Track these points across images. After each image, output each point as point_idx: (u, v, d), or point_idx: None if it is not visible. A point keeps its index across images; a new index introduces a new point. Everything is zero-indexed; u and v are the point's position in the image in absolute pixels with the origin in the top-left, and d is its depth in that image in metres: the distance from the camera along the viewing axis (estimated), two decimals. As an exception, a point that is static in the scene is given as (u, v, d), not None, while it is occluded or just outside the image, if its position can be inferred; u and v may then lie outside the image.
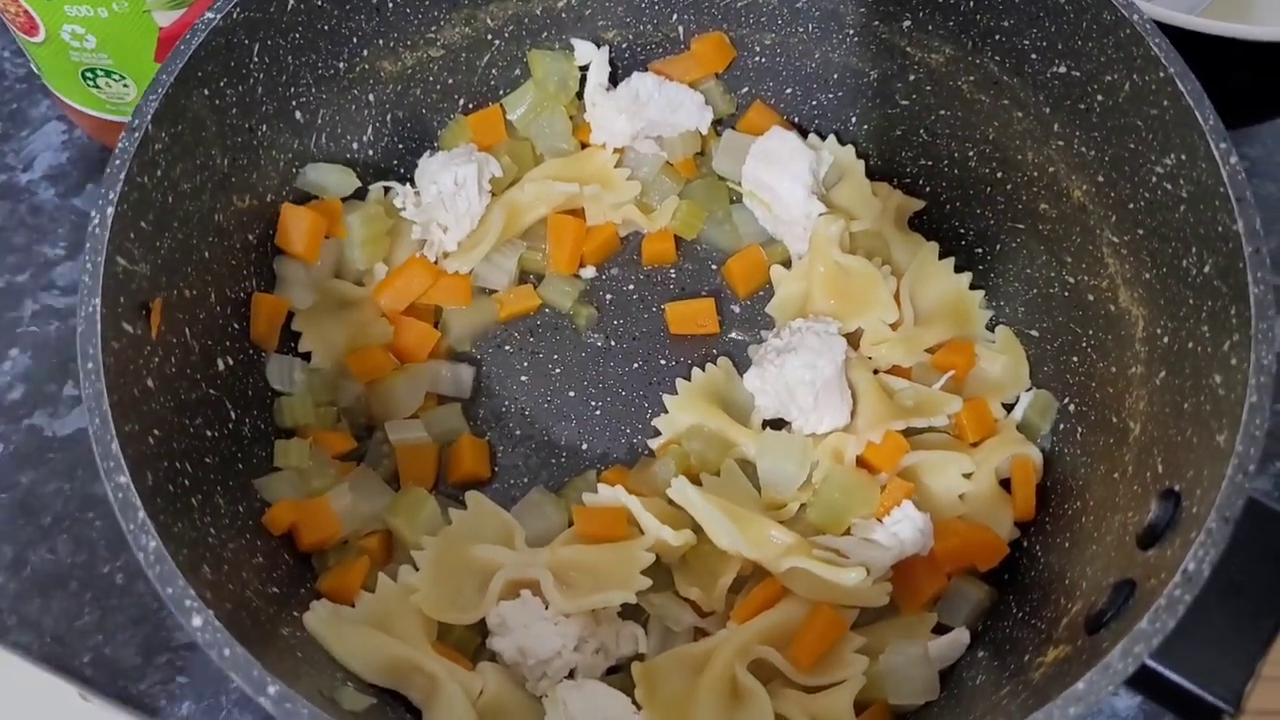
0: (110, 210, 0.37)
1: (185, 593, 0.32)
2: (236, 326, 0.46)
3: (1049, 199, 0.47)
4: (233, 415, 0.44)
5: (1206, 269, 0.38)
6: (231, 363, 0.45)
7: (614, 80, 0.54)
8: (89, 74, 0.52)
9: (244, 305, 0.46)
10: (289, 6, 0.44)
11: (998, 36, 0.46)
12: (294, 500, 0.45)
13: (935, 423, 0.47)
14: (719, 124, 0.55)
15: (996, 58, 0.47)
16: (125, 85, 0.52)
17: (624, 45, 0.54)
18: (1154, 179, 0.41)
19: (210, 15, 0.41)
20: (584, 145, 0.55)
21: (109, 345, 0.36)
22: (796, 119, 0.56)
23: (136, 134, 0.39)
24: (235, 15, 0.42)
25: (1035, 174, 0.48)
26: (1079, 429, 0.46)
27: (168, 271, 0.41)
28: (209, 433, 0.42)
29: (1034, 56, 0.45)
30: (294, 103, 0.47)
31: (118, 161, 0.38)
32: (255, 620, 0.37)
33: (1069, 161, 0.46)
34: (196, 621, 0.32)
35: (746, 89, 0.55)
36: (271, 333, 0.48)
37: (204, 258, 0.43)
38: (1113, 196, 0.44)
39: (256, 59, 0.44)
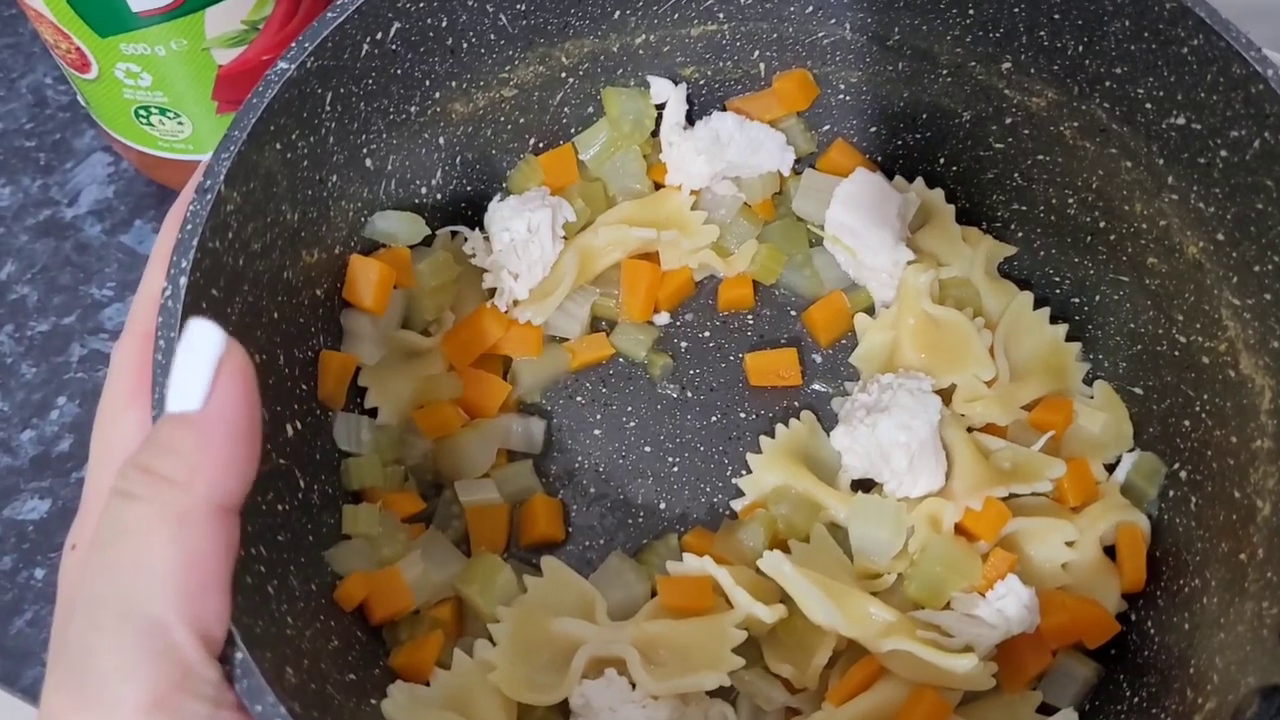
0: (183, 280, 0.35)
1: (275, 710, 0.30)
2: (305, 388, 0.44)
3: (1159, 253, 0.45)
4: (302, 484, 0.42)
5: (1353, 346, 0.36)
6: (300, 426, 0.43)
7: (691, 118, 0.52)
8: (142, 111, 0.50)
9: (310, 365, 0.44)
10: (363, 52, 0.41)
11: (1108, 84, 0.44)
12: (365, 572, 0.43)
13: (1038, 488, 0.45)
14: (799, 163, 0.53)
15: (1105, 105, 0.44)
16: (180, 123, 0.50)
17: (702, 82, 0.52)
18: (1287, 243, 0.39)
19: (284, 65, 0.39)
20: (658, 185, 0.52)
21: (186, 429, 0.33)
22: (881, 159, 0.53)
23: (209, 196, 0.36)
24: (309, 65, 0.39)
25: (1144, 226, 0.45)
26: (1193, 498, 0.43)
27: (239, 338, 0.38)
28: (280, 507, 0.40)
29: (1148, 106, 0.43)
30: (365, 150, 0.44)
31: (189, 227, 0.36)
32: (341, 721, 0.35)
33: (1184, 217, 0.43)
34: (290, 745, 0.30)
35: (829, 127, 0.53)
36: (339, 391, 0.45)
37: (273, 319, 0.41)
38: (1235, 257, 0.41)
39: (329, 108, 0.41)
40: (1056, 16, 0.44)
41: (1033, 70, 0.46)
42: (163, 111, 0.50)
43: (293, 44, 0.39)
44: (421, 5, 0.42)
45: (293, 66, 0.39)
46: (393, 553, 0.44)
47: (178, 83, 0.48)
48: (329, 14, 0.40)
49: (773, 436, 0.49)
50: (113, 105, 0.50)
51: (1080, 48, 0.44)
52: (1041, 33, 0.45)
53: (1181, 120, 0.42)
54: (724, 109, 0.52)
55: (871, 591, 0.44)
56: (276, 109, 0.39)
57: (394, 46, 0.43)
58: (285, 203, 0.41)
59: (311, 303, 0.44)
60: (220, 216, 0.37)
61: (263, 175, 0.39)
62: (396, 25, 0.42)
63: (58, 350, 0.53)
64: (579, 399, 0.50)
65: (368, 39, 0.41)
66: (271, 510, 0.39)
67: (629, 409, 0.50)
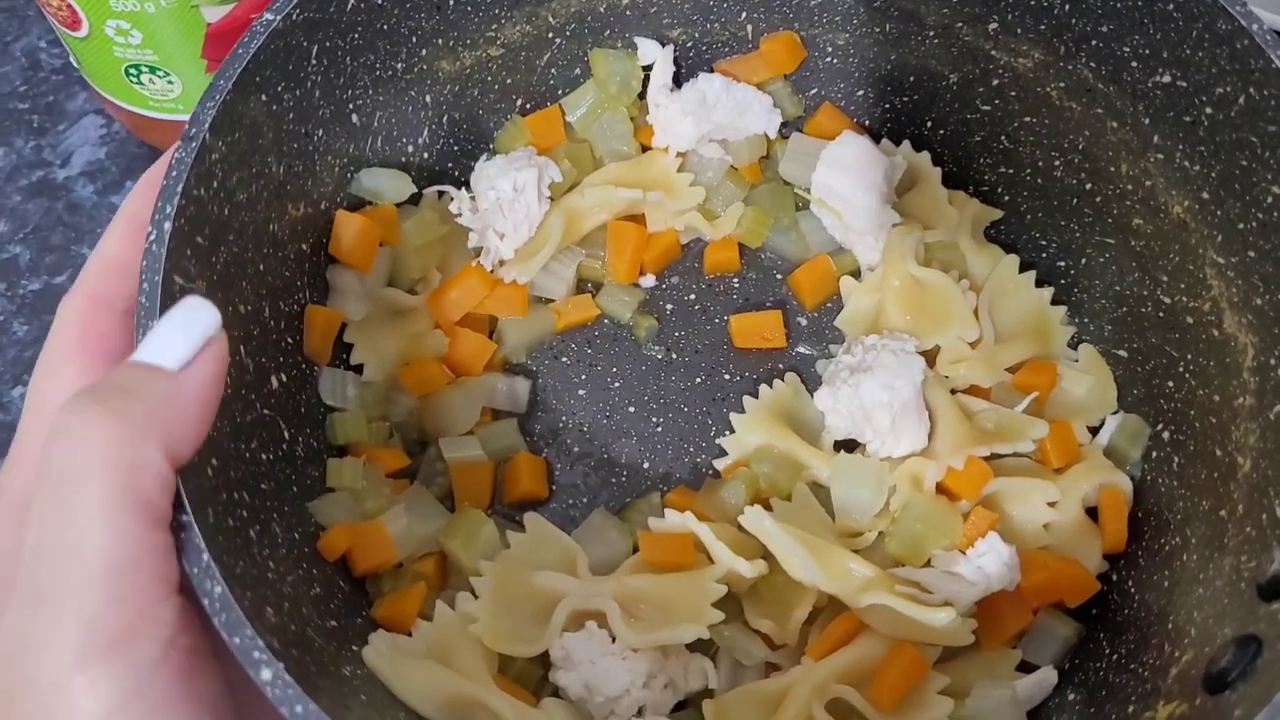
0: (168, 225, 0.35)
1: (253, 643, 0.30)
2: (290, 341, 0.44)
3: (1144, 214, 0.45)
4: (286, 435, 0.42)
5: (1332, 299, 0.36)
6: (285, 379, 0.43)
7: (678, 80, 0.52)
8: (133, 70, 0.50)
9: (297, 319, 0.44)
10: (349, 6, 0.42)
11: (1094, 42, 0.44)
12: (348, 524, 0.43)
13: (1019, 448, 0.45)
14: (786, 126, 0.53)
15: (1092, 64, 0.44)
16: (170, 82, 0.50)
17: (689, 44, 0.52)
18: (1269, 199, 0.39)
19: (269, 17, 0.39)
20: (645, 148, 0.52)
21: (167, 371, 0.34)
22: (868, 122, 0.53)
23: (194, 144, 0.36)
24: (295, 16, 0.39)
25: (1129, 187, 0.45)
26: (1176, 458, 0.44)
27: (223, 287, 0.38)
28: (264, 456, 0.40)
29: (1134, 64, 0.43)
30: (350, 105, 0.44)
31: (174, 173, 0.36)
32: (319, 663, 0.35)
33: (1169, 176, 0.43)
34: (266, 675, 0.30)
35: (816, 90, 0.53)
36: (325, 346, 0.45)
37: (258, 270, 0.41)
38: (1219, 215, 0.41)
39: (314, 61, 0.41)
40: (1042, -25, 0.44)
41: (1019, 30, 0.46)
42: (153, 70, 0.50)
43: (261, 4, 0.39)
44: (408, -40, 0.43)
45: (278, 18, 0.39)
46: (376, 506, 0.44)
47: (167, 40, 0.48)
48: (314, -35, 0.40)
49: (756, 397, 0.49)
50: (104, 64, 0.50)
51: (1066, 6, 0.44)
52: (1028, -9, 0.45)
53: (1167, 78, 0.42)
54: (711, 71, 0.52)
55: (853, 549, 0.44)
56: (262, 60, 0.39)
57: (380, 1, 0.43)
58: (271, 155, 0.41)
59: (298, 257, 0.44)
60: (205, 164, 0.37)
61: (248, 126, 0.39)
62: (383, -21, 0.42)
63: (49, 309, 0.53)
64: (564, 359, 0.50)
65: (354, -8, 0.42)
66: (255, 459, 0.40)
67: (614, 370, 0.50)
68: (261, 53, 0.39)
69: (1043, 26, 0.45)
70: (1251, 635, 0.33)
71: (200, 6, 0.47)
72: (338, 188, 0.46)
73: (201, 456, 0.35)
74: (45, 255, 0.55)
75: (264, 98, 0.40)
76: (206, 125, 0.37)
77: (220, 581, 0.31)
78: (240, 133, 0.39)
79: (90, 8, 0.47)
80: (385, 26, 0.44)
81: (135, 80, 0.50)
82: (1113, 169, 0.46)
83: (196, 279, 0.37)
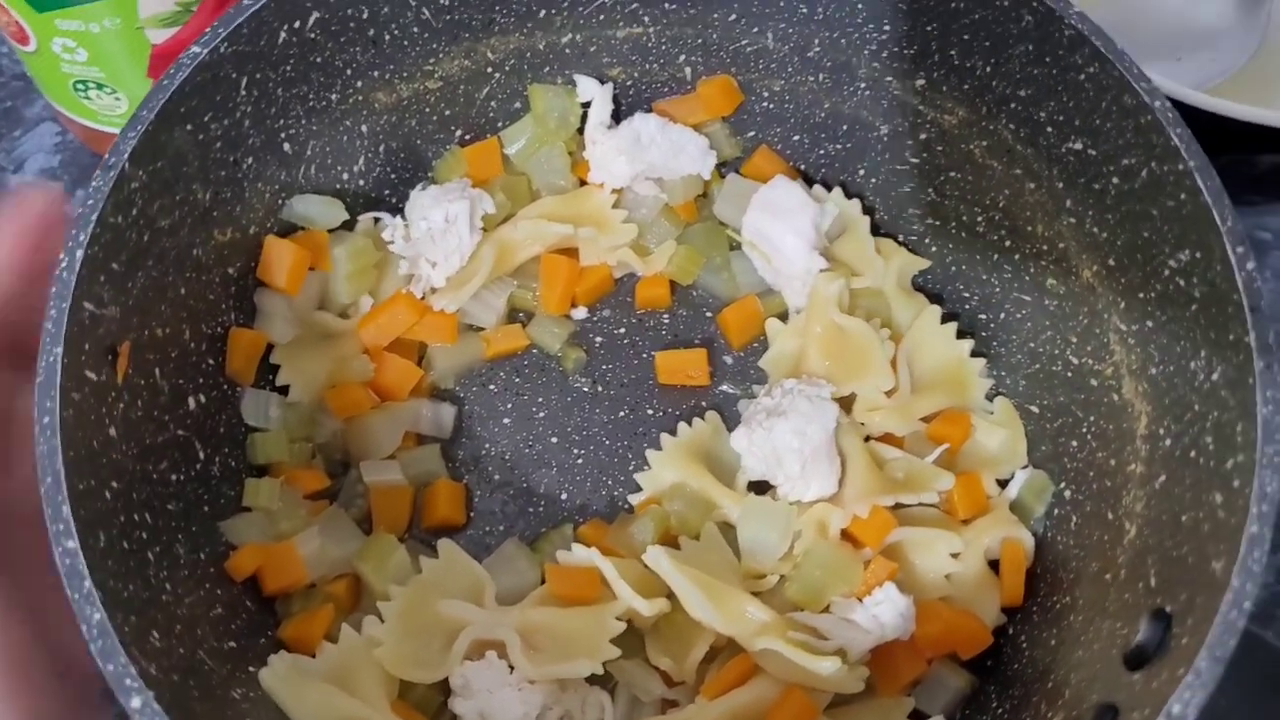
0: (80, 254, 0.36)
1: (126, 671, 0.31)
2: (211, 362, 0.45)
3: (1058, 275, 0.46)
4: (201, 455, 0.43)
5: (1215, 376, 0.37)
6: (204, 400, 0.44)
7: (616, 117, 0.53)
8: (80, 85, 0.51)
9: (220, 340, 0.45)
10: (280, 40, 0.42)
11: (1013, 105, 0.44)
12: (259, 544, 0.44)
13: (924, 499, 0.46)
14: (723, 166, 0.54)
15: (1011, 126, 0.45)
16: (117, 98, 0.51)
17: (628, 83, 0.52)
18: (1166, 272, 0.39)
19: (196, 50, 0.40)
20: (582, 182, 0.53)
21: (68, 397, 0.34)
22: (803, 166, 0.54)
23: (112, 173, 0.37)
24: (222, 50, 0.40)
25: (1045, 248, 0.46)
26: (1074, 518, 0.44)
27: (139, 312, 0.39)
28: (174, 476, 0.41)
29: (1049, 130, 0.43)
30: (283, 135, 0.45)
31: (90, 202, 0.37)
32: (205, 686, 0.36)
33: (1080, 240, 0.44)
34: (135, 703, 0.31)
35: (753, 133, 0.54)
36: (248, 367, 0.46)
37: (179, 294, 0.42)
38: (1123, 282, 0.42)
39: (244, 92, 0.42)
40: (966, 37, 0.44)
41: (945, 88, 0.47)
42: (100, 87, 0.51)
43: (206, 30, 0.40)
44: (341, -5, 0.44)
45: (205, 51, 0.40)
46: (290, 527, 0.45)
47: (113, 59, 0.49)
48: (245, 1, 0.41)
49: (676, 434, 0.50)
50: (53, 78, 0.51)
51: (988, 69, 0.45)
52: (953, 52, 0.45)
53: (1079, 145, 0.43)
54: (650, 110, 0.53)
55: (754, 591, 0.45)
56: (188, 91, 0.40)
57: (313, 35, 0.44)
58: (196, 182, 0.42)
59: (223, 280, 0.45)
60: (124, 193, 0.38)
61: (171, 155, 0.40)
62: (316, 15, 0.43)
63: None
64: (491, 387, 0.51)
65: (285, 26, 0.42)
66: (164, 479, 0.40)
67: (539, 400, 0.51)
68: (187, 84, 0.40)
69: (966, 86, 0.46)
70: (1111, 704, 0.34)
71: (145, 28, 0.48)
72: (268, 213, 0.46)
73: (100, 479, 0.36)
74: (-8, 259, 0.55)
75: (189, 127, 0.41)
76: (126, 155, 0.38)
77: (100, 608, 0.32)
78: (163, 161, 0.40)
79: (37, 26, 0.48)
80: (319, 59, 0.45)
81: (83, 95, 0.51)
82: (1030, 228, 0.47)
83: (109, 304, 0.38)
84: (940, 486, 0.46)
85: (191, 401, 0.43)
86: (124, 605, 0.33)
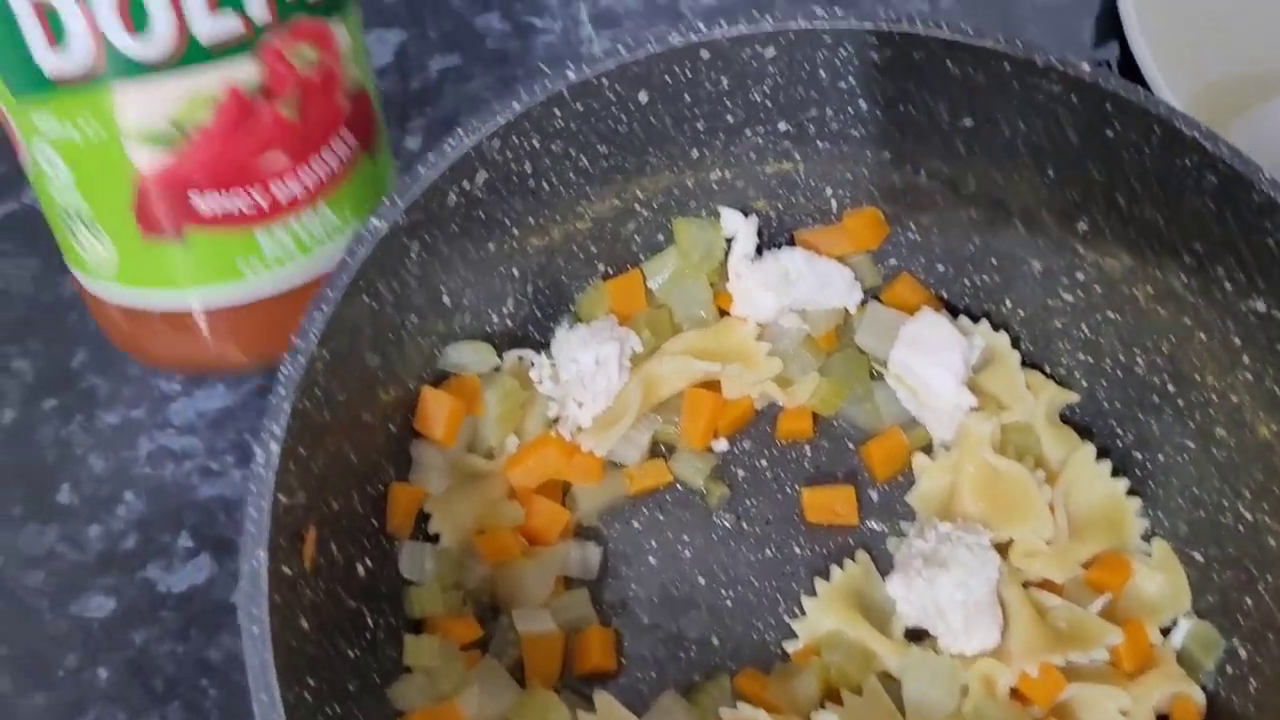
0: (275, 447, 0.36)
1: None
2: (374, 523, 0.44)
3: (1228, 427, 0.45)
4: (370, 623, 0.43)
5: None
6: (370, 564, 0.43)
7: (758, 248, 0.52)
8: (69, 220, 0.45)
9: (381, 499, 0.45)
10: (450, 202, 0.42)
11: (1186, 258, 0.44)
12: (427, 709, 0.43)
13: (1095, 656, 0.45)
14: (863, 293, 0.53)
15: (1182, 276, 0.44)
16: (104, 247, 0.44)
17: (771, 214, 0.52)
18: (1364, 447, 0.39)
19: (378, 224, 0.39)
20: (723, 312, 0.53)
21: (273, 602, 0.34)
22: (945, 295, 0.53)
23: (301, 358, 0.37)
24: (401, 222, 0.40)
25: (1214, 398, 0.45)
26: (1252, 681, 0.44)
27: (320, 490, 0.39)
28: (351, 653, 0.40)
29: (1228, 286, 0.43)
30: (443, 288, 0.45)
31: (282, 390, 0.36)
32: None
33: (1257, 398, 0.43)
34: None
35: (895, 261, 0.53)
36: (407, 522, 0.46)
37: (350, 462, 0.42)
38: (1309, 447, 0.41)
39: (414, 255, 0.42)
40: (1138, 187, 0.44)
41: (1109, 234, 0.46)
42: (87, 225, 0.44)
43: (384, 201, 0.40)
44: (509, 154, 0.43)
45: (386, 225, 0.39)
46: (451, 685, 0.44)
47: (96, 184, 0.43)
48: (421, 169, 0.41)
49: (827, 577, 0.49)
50: (48, 205, 0.46)
51: (1161, 220, 0.44)
52: (1121, 199, 0.45)
53: (1261, 306, 0.42)
54: (792, 239, 0.52)
55: (923, 752, 0.44)
56: (366, 266, 0.39)
57: (479, 194, 0.43)
58: (368, 349, 0.41)
59: (385, 438, 0.45)
60: (311, 376, 0.37)
61: (349, 329, 0.40)
62: (484, 175, 0.43)
63: (126, 444, 0.53)
64: (635, 524, 0.51)
65: (455, 188, 0.42)
66: (342, 656, 0.40)
67: (684, 538, 0.50)
68: (368, 258, 0.39)
69: (1133, 234, 0.45)
70: None
71: (127, 145, 0.41)
72: (425, 364, 0.46)
73: (300, 681, 0.35)
74: (123, 386, 0.55)
75: (366, 298, 0.40)
76: (315, 338, 0.37)
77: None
78: (343, 337, 0.39)
79: (20, 121, 0.42)
80: (482, 214, 0.44)
81: (74, 237, 0.45)
82: (1198, 377, 0.46)
83: (297, 490, 0.37)
84: (1109, 641, 0.45)
85: (360, 568, 0.43)
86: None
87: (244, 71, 0.41)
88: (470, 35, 0.63)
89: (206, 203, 0.44)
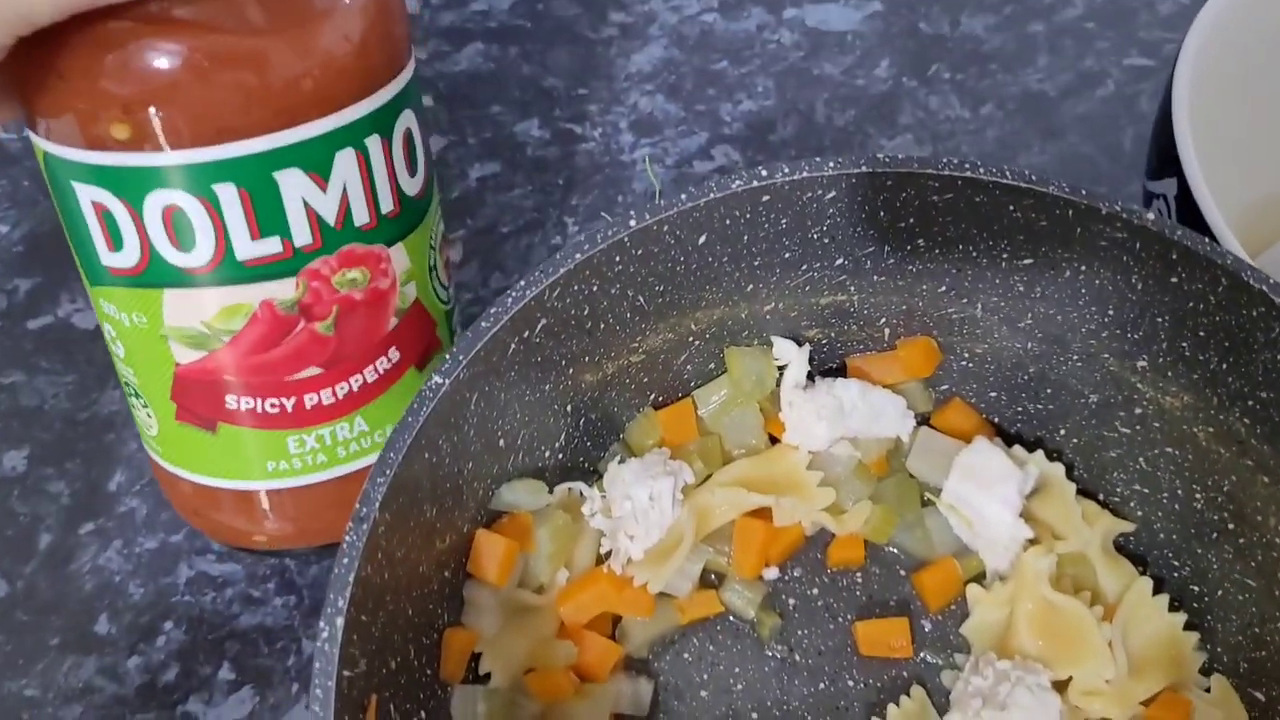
0: (340, 620, 0.35)
1: None
2: (429, 673, 0.43)
3: (1293, 570, 0.44)
4: (424, 779, 0.42)
5: None
6: (424, 716, 0.42)
7: (810, 374, 0.52)
8: (128, 387, 0.47)
9: (434, 647, 0.44)
10: (510, 351, 0.41)
11: (1251, 402, 0.43)
12: None
13: (1160, 804, 0.45)
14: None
15: (1246, 421, 0.44)
16: (149, 415, 0.46)
17: (824, 342, 0.51)
18: None
19: (439, 380, 0.39)
20: (773, 439, 0.52)
21: (337, 786, 0.33)
22: (997, 420, 0.53)
23: (365, 525, 0.36)
24: (462, 376, 0.39)
25: (1277, 540, 0.45)
26: (1322, 835, 0.43)
27: (380, 654, 0.38)
28: (409, 817, 0.40)
29: (1294, 433, 0.42)
30: (499, 433, 0.44)
31: (346, 560, 0.36)
32: None
33: (1325, 546, 0.43)
34: None
35: (947, 387, 0.52)
36: (460, 668, 0.45)
37: (407, 616, 0.41)
38: (1381, 602, 0.41)
39: (473, 407, 0.41)
40: (1203, 334, 0.43)
41: (1170, 374, 0.46)
42: (136, 395, 0.46)
43: (447, 357, 0.39)
44: (568, 300, 0.43)
45: (448, 381, 0.39)
46: (505, 838, 0.44)
47: (142, 364, 0.44)
48: (483, 324, 0.40)
49: (882, 713, 0.48)
50: (116, 369, 0.48)
51: (1224, 365, 0.43)
52: (1184, 344, 0.44)
53: (1329, 456, 0.41)
54: (844, 365, 0.52)
55: None
56: (428, 423, 0.39)
57: (538, 340, 0.43)
58: (426, 503, 0.41)
59: (439, 585, 0.44)
60: (374, 541, 0.37)
61: (410, 487, 0.39)
62: (543, 322, 0.42)
63: (166, 570, 0.53)
64: (686, 656, 0.50)
65: (515, 339, 0.42)
66: (401, 820, 0.39)
67: (736, 670, 0.50)
68: (430, 417, 0.39)
69: (1196, 375, 0.45)
70: None
71: (170, 340, 0.43)
72: (479, 508, 0.45)
73: None
74: (161, 511, 0.54)
75: (426, 454, 0.40)
76: (378, 504, 0.37)
77: None
78: (404, 497, 0.39)
79: (96, 301, 0.44)
80: (539, 359, 0.44)
81: (130, 399, 0.47)
82: (1260, 519, 0.45)
83: (360, 660, 0.36)
84: (1174, 788, 0.45)
85: (416, 722, 0.42)
86: None
87: (281, 289, 0.42)
88: (510, 143, 0.63)
89: (237, 403, 0.44)
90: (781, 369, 0.51)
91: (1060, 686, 0.47)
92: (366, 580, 0.36)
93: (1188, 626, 0.49)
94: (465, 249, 0.61)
